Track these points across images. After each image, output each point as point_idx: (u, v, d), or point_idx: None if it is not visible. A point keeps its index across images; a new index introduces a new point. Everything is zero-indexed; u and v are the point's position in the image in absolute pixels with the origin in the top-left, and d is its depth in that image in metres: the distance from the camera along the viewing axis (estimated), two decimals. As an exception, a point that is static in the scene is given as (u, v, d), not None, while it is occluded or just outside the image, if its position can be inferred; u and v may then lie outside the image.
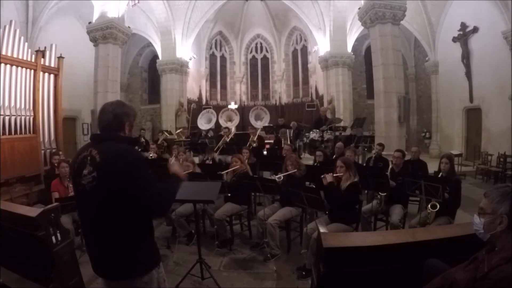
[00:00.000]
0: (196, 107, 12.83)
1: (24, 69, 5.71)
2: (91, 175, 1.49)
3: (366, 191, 4.69)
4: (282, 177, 3.93)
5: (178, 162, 1.85)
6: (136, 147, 2.31)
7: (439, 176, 3.78)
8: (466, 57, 9.38)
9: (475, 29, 8.92)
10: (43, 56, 6.13)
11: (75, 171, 1.58)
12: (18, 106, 5.57)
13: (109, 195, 1.47)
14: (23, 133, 5.64)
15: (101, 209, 1.49)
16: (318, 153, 5.48)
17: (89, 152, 1.54)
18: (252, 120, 12.43)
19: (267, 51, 17.12)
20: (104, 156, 1.50)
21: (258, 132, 8.20)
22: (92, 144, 1.60)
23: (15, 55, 5.54)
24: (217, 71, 16.93)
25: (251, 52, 17.26)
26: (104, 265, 1.57)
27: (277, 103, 16.27)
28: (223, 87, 17.05)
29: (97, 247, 1.58)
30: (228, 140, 7.43)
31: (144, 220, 1.58)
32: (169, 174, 1.80)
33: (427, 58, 11.50)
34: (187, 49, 12.36)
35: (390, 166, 4.44)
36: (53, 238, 2.28)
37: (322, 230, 1.91)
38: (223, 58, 17.05)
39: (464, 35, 9.33)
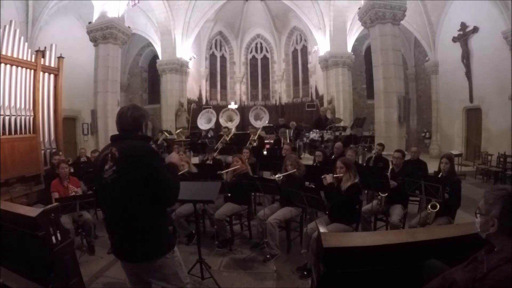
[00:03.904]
0: (196, 107, 12.83)
1: (24, 69, 5.71)
2: (111, 169, 1.69)
3: (366, 191, 4.68)
4: (281, 177, 3.94)
5: (177, 154, 2.07)
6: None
7: (439, 176, 3.77)
8: (466, 57, 9.38)
9: (475, 29, 8.92)
10: (43, 56, 6.13)
11: (98, 167, 1.77)
12: (18, 106, 5.57)
13: (127, 185, 1.67)
14: (23, 133, 5.64)
15: (121, 198, 1.68)
16: (317, 153, 5.48)
17: (110, 150, 1.75)
18: (252, 120, 12.44)
19: (267, 51, 17.12)
20: (122, 151, 1.71)
21: (259, 131, 8.20)
22: (112, 143, 1.81)
23: (15, 55, 5.54)
24: (217, 71, 16.92)
25: (251, 52, 17.25)
26: (124, 248, 1.77)
27: (277, 103, 16.26)
28: (223, 87, 17.05)
29: (118, 233, 1.77)
30: (228, 139, 7.43)
31: (158, 207, 1.76)
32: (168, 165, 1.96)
33: (427, 58, 11.50)
34: (187, 49, 12.35)
35: (391, 167, 4.44)
36: (53, 238, 2.28)
37: (322, 230, 1.91)
38: (223, 58, 17.04)
39: (464, 35, 9.33)
